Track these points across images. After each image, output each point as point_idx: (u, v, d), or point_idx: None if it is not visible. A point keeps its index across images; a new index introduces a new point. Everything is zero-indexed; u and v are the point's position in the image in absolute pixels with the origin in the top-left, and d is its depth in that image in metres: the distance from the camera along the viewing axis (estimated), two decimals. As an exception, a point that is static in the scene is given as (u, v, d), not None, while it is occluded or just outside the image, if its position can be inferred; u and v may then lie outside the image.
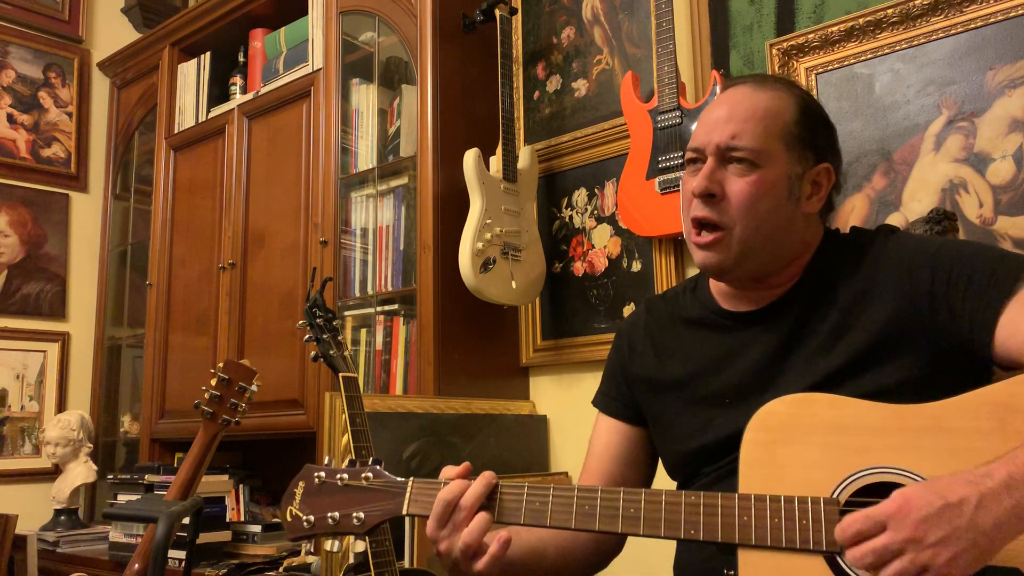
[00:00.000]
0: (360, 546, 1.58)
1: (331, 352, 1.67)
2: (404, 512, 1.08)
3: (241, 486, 2.82)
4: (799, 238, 1.17)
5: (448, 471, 1.09)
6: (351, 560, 1.71)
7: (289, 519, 1.10)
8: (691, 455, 1.19)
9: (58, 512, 3.02)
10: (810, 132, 1.16)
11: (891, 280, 1.10)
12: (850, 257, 1.16)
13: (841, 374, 1.07)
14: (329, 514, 1.09)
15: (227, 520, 2.55)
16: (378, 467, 1.11)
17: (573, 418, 2.36)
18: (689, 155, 1.19)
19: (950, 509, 0.82)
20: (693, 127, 2.01)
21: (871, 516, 0.85)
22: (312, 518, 1.09)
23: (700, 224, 1.15)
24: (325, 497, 1.10)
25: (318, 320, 1.69)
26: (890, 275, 1.10)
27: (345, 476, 1.10)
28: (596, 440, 1.34)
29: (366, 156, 2.58)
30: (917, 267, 1.09)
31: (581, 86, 2.44)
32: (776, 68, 2.00)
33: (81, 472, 3.04)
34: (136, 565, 1.69)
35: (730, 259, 1.14)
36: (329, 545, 1.12)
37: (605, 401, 1.35)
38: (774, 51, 2.01)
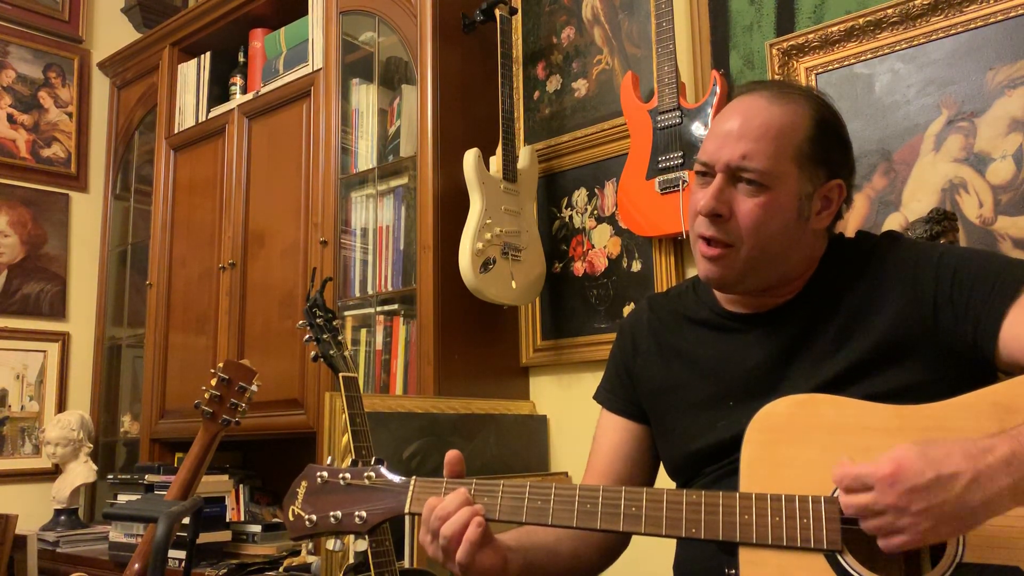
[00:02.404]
0: (361, 545, 1.58)
1: (331, 352, 1.67)
2: (406, 511, 1.08)
3: (241, 486, 2.82)
4: (806, 254, 1.16)
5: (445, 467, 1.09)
6: (351, 560, 1.71)
7: (292, 519, 1.10)
8: (693, 456, 1.19)
9: (58, 512, 3.02)
10: (824, 149, 1.13)
11: (895, 286, 1.10)
12: (855, 263, 1.16)
13: (845, 378, 1.07)
14: (331, 513, 1.09)
15: (227, 520, 2.55)
16: (380, 466, 1.11)
17: (573, 418, 2.36)
18: (698, 167, 1.16)
19: (940, 482, 0.83)
20: (693, 127, 2.02)
21: (860, 478, 0.86)
22: (315, 517, 1.09)
23: (707, 240, 1.15)
24: (327, 496, 1.10)
25: (318, 320, 1.69)
26: (894, 281, 1.11)
27: (348, 476, 1.11)
28: (602, 438, 1.33)
29: (366, 156, 2.58)
30: (921, 272, 1.09)
31: (581, 86, 2.44)
32: (776, 68, 2.00)
33: (81, 472, 3.04)
34: (136, 565, 1.70)
35: (733, 275, 1.14)
36: (331, 544, 1.12)
37: (610, 398, 1.34)
38: (774, 51, 2.02)
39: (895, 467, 0.84)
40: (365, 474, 1.10)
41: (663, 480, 1.29)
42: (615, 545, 1.28)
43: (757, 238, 1.11)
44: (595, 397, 1.38)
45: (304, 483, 1.12)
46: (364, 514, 1.08)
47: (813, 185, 1.13)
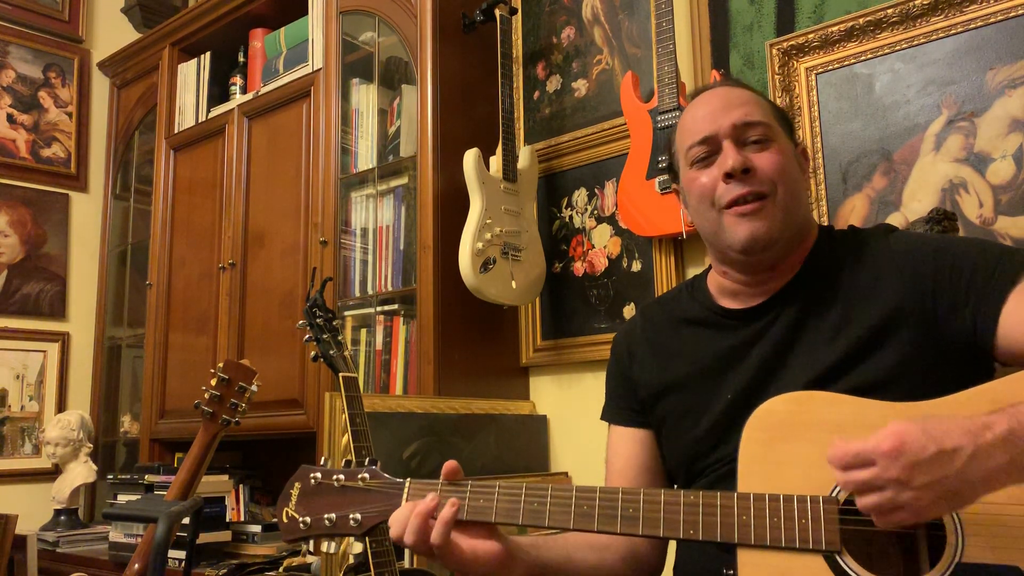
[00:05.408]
0: (358, 547, 1.57)
1: (331, 352, 1.67)
2: None
3: (241, 486, 2.82)
4: (806, 216, 1.21)
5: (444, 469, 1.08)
6: (350, 560, 1.71)
7: (285, 520, 1.10)
8: (695, 455, 1.19)
9: (58, 512, 3.02)
10: (785, 118, 1.23)
11: (894, 274, 1.10)
12: (850, 252, 1.16)
13: (842, 366, 1.07)
14: (326, 515, 1.08)
15: (227, 520, 2.55)
16: (374, 467, 1.10)
17: (573, 418, 2.36)
18: (697, 151, 1.17)
19: (942, 456, 0.82)
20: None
21: (861, 454, 0.84)
22: (308, 519, 1.09)
23: (742, 199, 1.13)
24: (322, 498, 1.09)
25: (318, 320, 1.68)
26: (893, 269, 1.11)
27: (341, 477, 1.10)
28: (614, 455, 1.30)
29: (366, 156, 2.58)
30: (920, 261, 1.09)
31: (581, 86, 2.44)
32: (776, 68, 2.00)
33: (81, 472, 3.04)
34: (136, 565, 1.69)
35: (776, 226, 1.13)
36: (326, 546, 1.11)
37: (615, 412, 1.32)
38: (774, 51, 2.01)
39: (898, 441, 0.83)
40: (359, 475, 1.10)
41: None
42: (649, 560, 1.24)
43: (787, 182, 1.14)
44: (603, 417, 1.35)
45: (298, 484, 1.11)
46: (359, 516, 1.07)
47: (793, 144, 1.21)
